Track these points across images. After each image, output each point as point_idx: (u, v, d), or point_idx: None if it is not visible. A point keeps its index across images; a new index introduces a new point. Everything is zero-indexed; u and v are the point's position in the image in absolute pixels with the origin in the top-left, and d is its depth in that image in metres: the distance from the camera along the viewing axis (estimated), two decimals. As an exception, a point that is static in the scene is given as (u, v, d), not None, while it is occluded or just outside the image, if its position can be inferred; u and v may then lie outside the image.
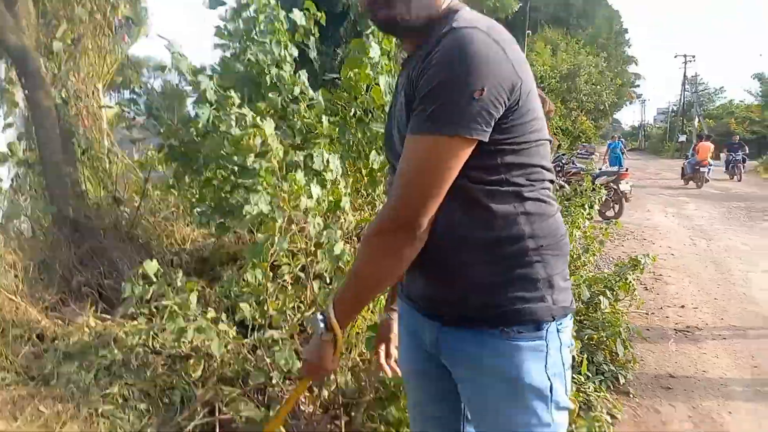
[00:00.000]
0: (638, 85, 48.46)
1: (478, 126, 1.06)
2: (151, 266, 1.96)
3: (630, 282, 3.77)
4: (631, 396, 3.20)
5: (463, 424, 1.47)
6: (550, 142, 1.26)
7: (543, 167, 1.20)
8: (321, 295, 2.29)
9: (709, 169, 15.89)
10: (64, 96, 3.77)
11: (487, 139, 1.08)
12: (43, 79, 3.50)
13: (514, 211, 1.15)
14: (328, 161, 2.92)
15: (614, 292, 3.78)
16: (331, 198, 2.98)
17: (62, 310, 2.79)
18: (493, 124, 1.08)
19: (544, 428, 1.16)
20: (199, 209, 3.80)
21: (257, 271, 2.07)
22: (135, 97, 3.39)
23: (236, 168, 2.49)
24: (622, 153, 15.16)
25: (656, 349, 3.89)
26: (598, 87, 25.91)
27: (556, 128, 21.61)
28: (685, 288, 5.46)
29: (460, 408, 1.45)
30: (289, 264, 2.43)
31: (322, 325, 1.24)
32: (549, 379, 1.16)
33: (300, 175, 2.28)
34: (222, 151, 2.80)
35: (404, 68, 1.28)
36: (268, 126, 2.34)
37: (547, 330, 1.16)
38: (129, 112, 3.47)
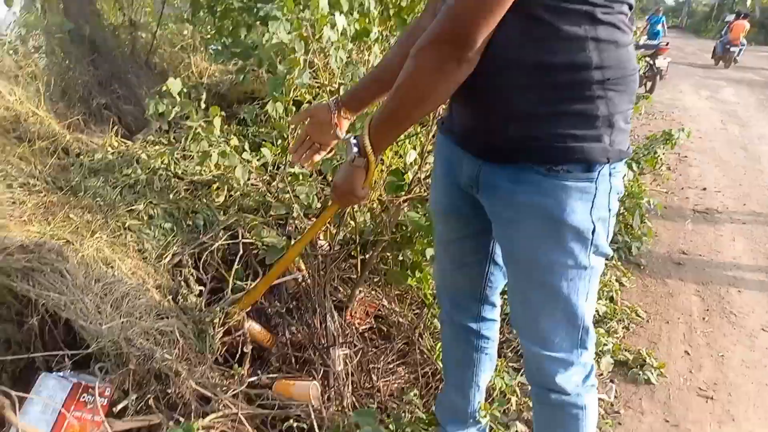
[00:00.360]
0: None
1: None
2: (175, 84, 1.86)
3: (659, 156, 3.67)
4: (642, 267, 3.25)
5: (488, 266, 1.47)
6: None
7: None
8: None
9: (741, 50, 14.69)
10: None
11: None
12: None
13: (584, 34, 1.01)
14: None
15: (640, 165, 3.70)
16: (356, 26, 2.78)
17: (84, 130, 2.75)
18: None
19: (580, 270, 1.14)
20: (214, 46, 3.62)
21: (278, 105, 1.97)
22: None
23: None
24: (663, 29, 14.11)
25: (672, 227, 3.89)
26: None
27: None
28: (710, 171, 5.35)
29: (488, 251, 1.44)
30: (311, 101, 2.33)
31: (355, 149, 1.17)
32: (593, 222, 1.11)
33: (324, 2, 2.09)
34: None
35: None
36: None
37: (599, 172, 1.08)
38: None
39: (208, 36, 4.06)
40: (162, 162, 2.22)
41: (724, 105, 9.29)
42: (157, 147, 2.54)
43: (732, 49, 14.59)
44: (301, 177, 2.07)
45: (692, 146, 6.22)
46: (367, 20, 2.90)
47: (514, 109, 1.07)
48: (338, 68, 2.19)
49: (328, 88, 2.22)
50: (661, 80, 9.26)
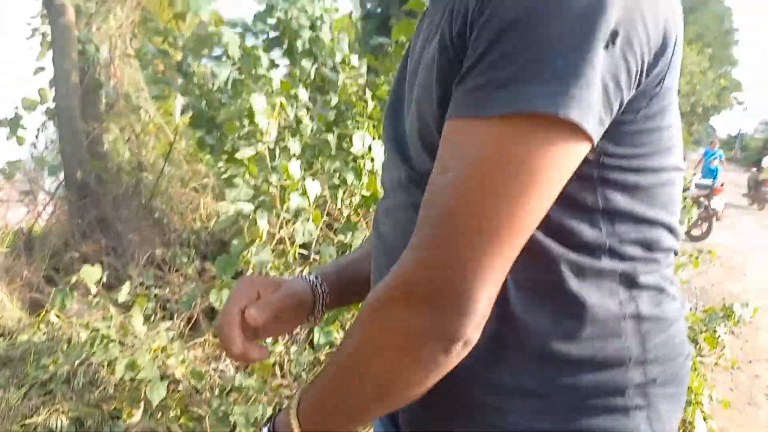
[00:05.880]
0: (740, 91, 44.82)
1: (600, 110, 0.50)
2: (91, 273, 1.52)
3: (719, 337, 3.08)
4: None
5: None
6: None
7: (671, 229, 0.64)
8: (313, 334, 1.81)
9: None
10: (94, 39, 3.41)
11: (596, 143, 0.52)
12: (66, 9, 3.13)
13: (619, 311, 0.60)
14: (370, 147, 2.41)
15: (698, 346, 3.10)
16: (365, 192, 2.49)
17: (43, 290, 2.46)
18: (614, 114, 0.53)
19: None
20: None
21: (223, 293, 1.59)
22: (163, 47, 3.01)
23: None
24: (721, 164, 13.44)
25: (741, 420, 3.19)
26: (698, 87, 23.98)
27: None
28: (782, 338, 4.63)
29: None
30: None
31: None
32: None
33: (295, 165, 1.77)
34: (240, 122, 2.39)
35: (433, 7, 0.68)
36: (258, 100, 1.84)
37: None
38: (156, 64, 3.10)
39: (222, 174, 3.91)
40: (91, 351, 1.84)
41: (791, 249, 8.55)
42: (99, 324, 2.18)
43: (764, 189, 13.30)
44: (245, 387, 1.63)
45: (758, 303, 5.50)
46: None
47: (499, 424, 0.62)
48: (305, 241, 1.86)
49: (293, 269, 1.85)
50: (717, 221, 8.66)
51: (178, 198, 3.91)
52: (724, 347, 3.25)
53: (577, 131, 0.49)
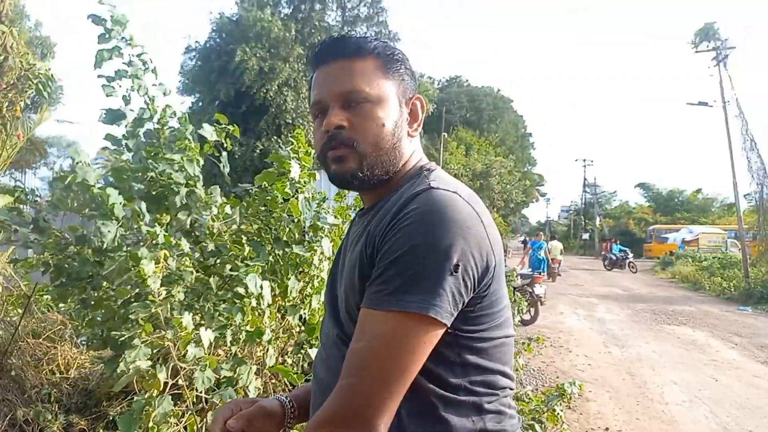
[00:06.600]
0: (543, 184, 51.99)
1: (450, 308, 0.88)
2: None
3: (558, 414, 3.64)
4: None
5: None
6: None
7: (505, 374, 1.01)
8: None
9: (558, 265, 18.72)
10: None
11: (450, 326, 0.90)
12: None
13: (472, 427, 0.94)
14: (262, 287, 2.62)
15: (543, 425, 3.62)
16: (248, 328, 2.68)
17: None
18: (459, 309, 0.90)
19: None
20: (83, 338, 3.36)
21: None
22: (19, 205, 2.98)
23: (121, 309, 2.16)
24: (546, 256, 15.75)
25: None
26: (509, 186, 27.45)
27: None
28: (606, 405, 5.41)
29: None
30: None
31: None
32: None
33: (187, 319, 1.99)
34: (128, 275, 2.47)
35: (360, 219, 1.09)
36: (146, 262, 2.04)
37: None
38: (9, 223, 3.05)
39: (78, 325, 3.77)
40: None
41: (602, 324, 9.98)
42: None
43: (553, 266, 17.85)
44: None
45: (585, 375, 6.40)
46: (258, 316, 2.82)
47: None
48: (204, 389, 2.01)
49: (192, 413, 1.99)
50: (542, 305, 9.87)
51: (31, 350, 3.68)
52: (563, 422, 3.82)
53: (435, 322, 0.88)
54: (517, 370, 5.10)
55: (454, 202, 0.91)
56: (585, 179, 49.46)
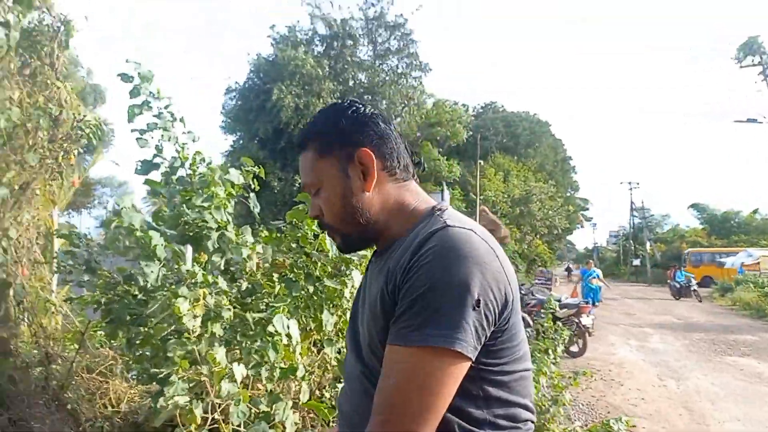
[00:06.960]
0: (587, 209, 50.69)
1: (473, 341, 0.91)
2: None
3: (605, 453, 3.51)
4: None
5: None
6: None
7: (526, 407, 1.03)
8: None
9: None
10: (4, 245, 3.52)
11: (474, 360, 0.93)
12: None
13: None
14: (288, 326, 2.69)
15: (589, 464, 3.50)
16: (282, 365, 2.73)
17: None
18: (482, 343, 0.94)
19: None
20: (134, 372, 3.48)
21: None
22: (73, 249, 3.17)
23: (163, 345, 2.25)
24: (601, 282, 14.88)
25: None
26: (551, 212, 26.91)
27: (513, 252, 22.01)
28: (662, 443, 5.19)
29: None
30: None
31: None
32: None
33: (221, 354, 2.06)
34: (166, 313, 2.58)
35: (377, 259, 1.14)
36: (182, 300, 2.13)
37: None
38: (65, 267, 3.23)
39: (128, 360, 3.92)
40: None
41: (656, 356, 9.57)
42: None
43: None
44: None
45: (638, 410, 6.15)
46: (292, 352, 2.88)
47: None
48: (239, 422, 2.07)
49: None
50: (590, 336, 9.56)
51: (85, 385, 3.84)
52: (611, 463, 3.68)
53: (461, 356, 0.91)
54: (564, 404, 4.95)
55: (470, 239, 0.95)
56: (632, 203, 48.18)
